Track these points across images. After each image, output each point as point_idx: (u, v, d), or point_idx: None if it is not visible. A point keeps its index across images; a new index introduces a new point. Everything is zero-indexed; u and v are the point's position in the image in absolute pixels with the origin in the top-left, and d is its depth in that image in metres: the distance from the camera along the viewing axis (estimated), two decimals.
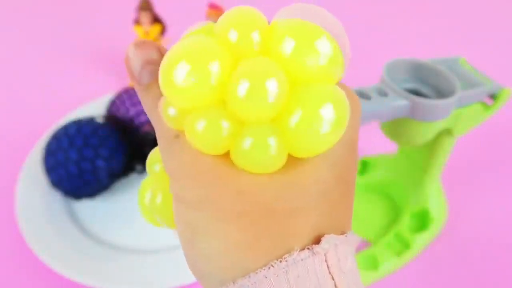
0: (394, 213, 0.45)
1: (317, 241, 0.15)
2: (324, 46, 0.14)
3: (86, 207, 0.46)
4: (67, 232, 0.42)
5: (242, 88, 0.13)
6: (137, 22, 0.57)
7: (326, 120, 0.14)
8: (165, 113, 0.16)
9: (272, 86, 0.13)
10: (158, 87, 0.15)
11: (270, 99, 0.13)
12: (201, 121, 0.14)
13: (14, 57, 0.69)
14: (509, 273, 0.40)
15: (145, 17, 0.56)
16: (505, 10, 0.82)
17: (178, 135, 0.15)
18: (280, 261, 0.14)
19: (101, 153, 0.43)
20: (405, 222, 0.42)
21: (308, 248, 0.14)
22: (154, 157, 0.19)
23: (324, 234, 0.15)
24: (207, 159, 0.15)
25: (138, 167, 0.48)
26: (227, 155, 0.15)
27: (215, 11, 0.54)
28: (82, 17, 0.79)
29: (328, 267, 0.14)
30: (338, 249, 0.15)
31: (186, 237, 0.15)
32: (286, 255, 0.14)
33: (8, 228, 0.43)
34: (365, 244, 0.42)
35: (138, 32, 0.57)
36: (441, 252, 0.42)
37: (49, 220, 0.43)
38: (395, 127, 0.36)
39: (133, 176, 0.49)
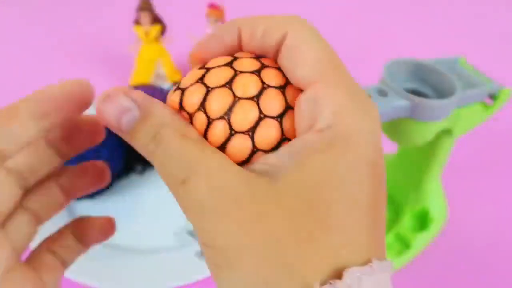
0: (394, 213, 0.45)
1: (338, 274, 0.14)
2: None
3: (86, 207, 0.46)
4: None
5: None
6: (137, 22, 0.57)
7: None
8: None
9: None
10: (146, 127, 0.15)
11: None
12: None
13: (14, 57, 0.69)
14: (509, 273, 0.40)
15: (145, 17, 0.56)
16: (505, 10, 0.82)
17: (185, 181, 0.14)
18: None
19: (101, 153, 0.43)
20: (405, 222, 0.42)
21: (330, 283, 0.13)
22: None
23: (345, 266, 0.13)
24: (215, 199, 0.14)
25: (138, 167, 0.48)
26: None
27: (215, 11, 0.54)
28: (82, 18, 0.79)
29: None
30: (362, 284, 0.13)
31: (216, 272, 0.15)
32: None
33: None
34: None
35: (138, 32, 0.57)
36: (441, 252, 0.42)
37: (49, 220, 0.43)
38: (395, 127, 0.35)
39: (133, 176, 0.49)
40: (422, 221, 0.42)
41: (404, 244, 0.41)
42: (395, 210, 0.45)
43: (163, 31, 0.58)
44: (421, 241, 0.41)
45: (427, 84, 0.36)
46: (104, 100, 0.16)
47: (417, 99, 0.32)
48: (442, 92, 0.35)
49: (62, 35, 0.74)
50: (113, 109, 0.16)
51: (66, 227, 0.23)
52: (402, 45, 0.72)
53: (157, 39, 0.58)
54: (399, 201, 0.45)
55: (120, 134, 0.16)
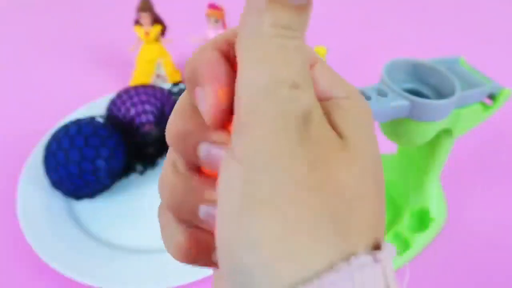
0: (394, 213, 0.45)
1: (375, 246, 0.13)
2: None
3: (86, 207, 0.46)
4: (67, 232, 0.43)
5: None
6: (137, 22, 0.57)
7: None
8: None
9: None
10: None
11: None
12: None
13: (15, 58, 0.69)
14: (509, 273, 0.40)
15: (146, 18, 0.56)
16: (505, 10, 0.82)
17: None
18: (348, 264, 0.11)
19: (102, 153, 0.43)
20: (405, 222, 0.42)
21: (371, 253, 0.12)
22: None
23: (378, 238, 0.13)
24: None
25: (138, 167, 0.48)
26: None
27: (215, 11, 0.54)
28: (82, 18, 0.79)
29: (386, 277, 0.12)
30: (389, 262, 0.13)
31: (232, 211, 0.12)
32: (351, 257, 0.12)
33: (9, 227, 0.44)
34: None
35: (139, 33, 0.57)
36: (441, 252, 0.42)
37: (50, 220, 0.43)
38: (395, 127, 0.36)
39: (133, 176, 0.49)
40: (422, 221, 0.42)
41: (404, 244, 0.41)
42: (395, 210, 0.45)
43: (163, 31, 0.59)
44: (421, 241, 0.41)
45: (427, 84, 0.36)
46: None
47: (416, 99, 0.32)
48: (441, 92, 0.35)
49: (62, 35, 0.74)
50: None
51: None
52: (402, 45, 0.72)
53: (157, 39, 0.58)
54: (399, 201, 0.45)
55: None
